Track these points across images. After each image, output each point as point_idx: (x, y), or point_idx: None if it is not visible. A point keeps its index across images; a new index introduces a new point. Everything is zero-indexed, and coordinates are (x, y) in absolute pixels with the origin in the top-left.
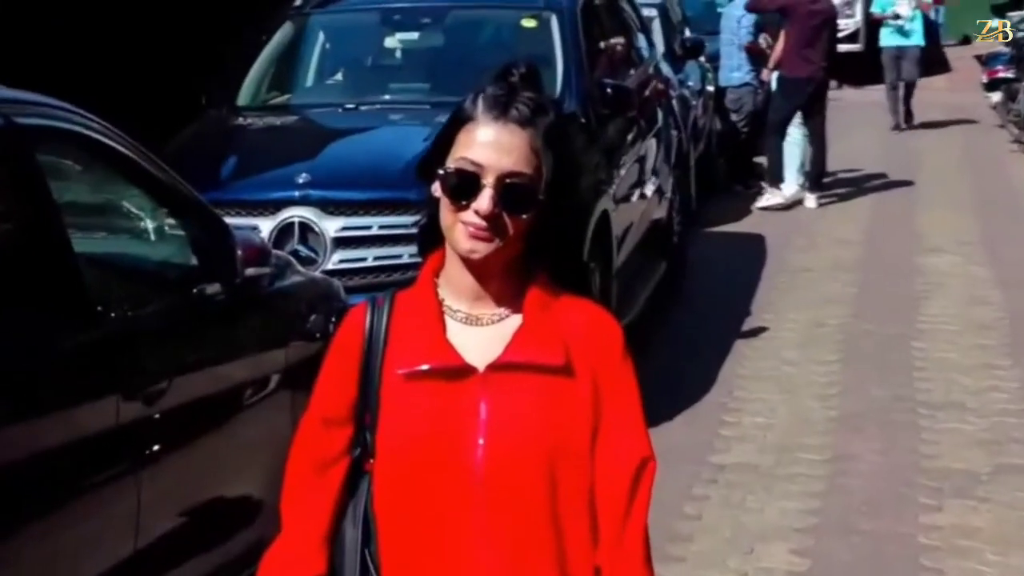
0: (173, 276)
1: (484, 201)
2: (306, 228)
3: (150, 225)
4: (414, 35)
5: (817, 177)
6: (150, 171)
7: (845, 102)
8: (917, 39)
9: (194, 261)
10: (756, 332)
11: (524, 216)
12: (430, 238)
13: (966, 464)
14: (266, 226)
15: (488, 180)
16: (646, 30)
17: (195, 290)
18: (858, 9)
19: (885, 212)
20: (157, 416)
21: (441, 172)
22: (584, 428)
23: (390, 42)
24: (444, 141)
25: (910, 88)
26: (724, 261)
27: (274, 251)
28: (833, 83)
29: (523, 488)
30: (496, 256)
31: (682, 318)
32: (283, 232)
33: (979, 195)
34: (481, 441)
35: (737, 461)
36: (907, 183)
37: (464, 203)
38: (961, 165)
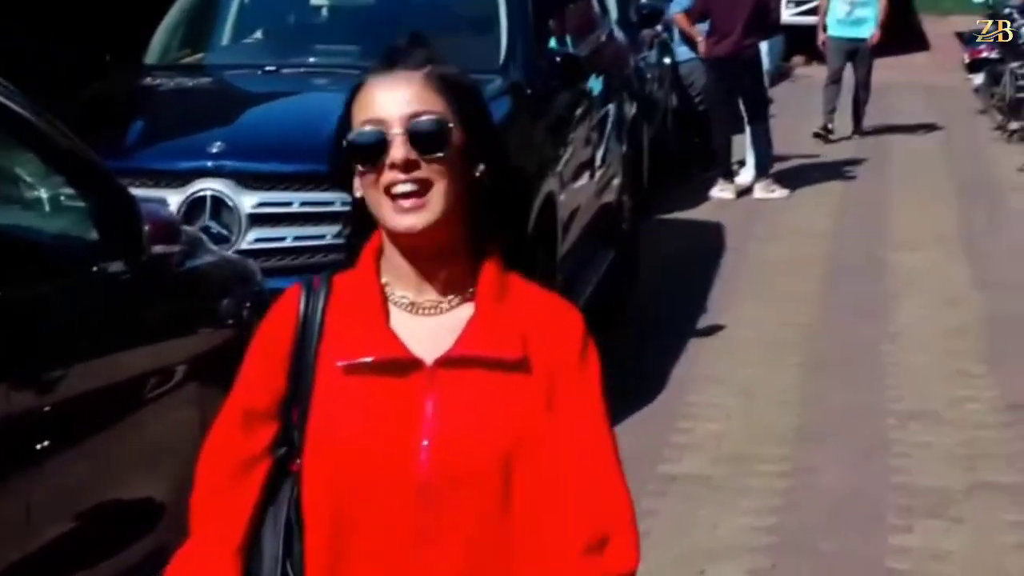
0: (71, 252)
1: (397, 150)
2: (219, 202)
3: (45, 194)
4: None
5: (760, 163)
6: (47, 133)
7: (814, 80)
8: (869, 30)
9: (95, 236)
10: (712, 331)
11: (441, 155)
12: (358, 237)
13: (939, 481)
14: (175, 199)
15: (395, 129)
16: None
17: (95, 268)
18: None
19: (855, 202)
20: (49, 408)
21: (344, 143)
22: (540, 430)
23: None
24: (344, 120)
25: (860, 90)
26: (679, 251)
27: (184, 227)
28: (800, 59)
29: (471, 493)
30: (439, 232)
31: (632, 312)
32: (193, 206)
33: (958, 186)
34: (425, 442)
35: (688, 471)
36: (880, 171)
37: (379, 166)
38: (939, 153)
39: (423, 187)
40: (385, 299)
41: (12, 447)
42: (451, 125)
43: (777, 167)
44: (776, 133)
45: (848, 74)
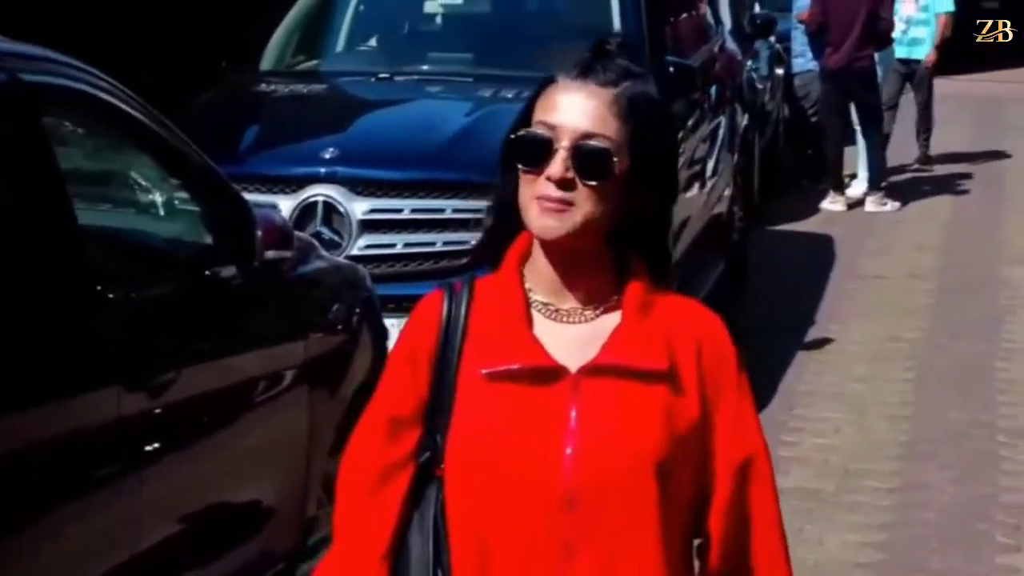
0: (184, 255)
1: (556, 165)
2: (330, 208)
3: (160, 198)
4: (457, 0)
5: (872, 176)
6: (163, 138)
7: None
8: (925, 51)
9: (208, 240)
10: (821, 344)
11: (597, 184)
12: (507, 226)
13: None
14: (286, 205)
15: (562, 143)
16: (713, 4)
17: (208, 272)
18: None
19: (969, 217)
20: (161, 411)
21: (512, 137)
22: (685, 443)
23: (431, 6)
24: (527, 111)
25: (920, 117)
26: (788, 263)
27: (296, 233)
28: None
29: (614, 503)
30: (578, 241)
31: (740, 324)
32: (305, 212)
33: None
34: (569, 451)
35: (796, 486)
36: (993, 185)
37: (537, 170)
38: None
39: (572, 203)
40: (528, 305)
41: (123, 448)
42: (616, 158)
43: (889, 180)
44: (889, 146)
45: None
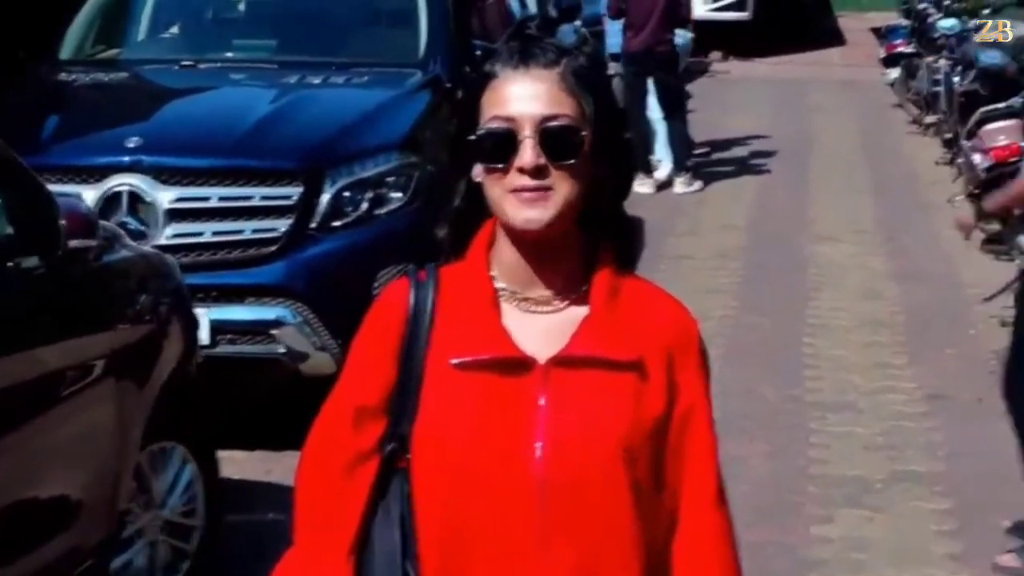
0: None
1: (526, 154)
2: (136, 198)
3: None
4: None
5: (678, 158)
6: None
7: (732, 76)
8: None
9: (9, 230)
10: None
11: (572, 162)
12: (464, 231)
13: (859, 471)
14: (91, 195)
15: (526, 132)
16: None
17: (10, 263)
18: None
19: (773, 196)
20: None
21: (472, 138)
22: (656, 433)
23: None
24: (470, 112)
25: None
26: None
27: (101, 222)
28: (717, 55)
29: (586, 493)
30: (559, 225)
31: None
32: (110, 202)
33: (875, 180)
34: (539, 443)
35: None
36: (798, 165)
37: (505, 166)
38: (856, 147)
39: (551, 188)
40: (496, 295)
41: None
42: (584, 132)
43: (695, 161)
44: (694, 128)
45: None
